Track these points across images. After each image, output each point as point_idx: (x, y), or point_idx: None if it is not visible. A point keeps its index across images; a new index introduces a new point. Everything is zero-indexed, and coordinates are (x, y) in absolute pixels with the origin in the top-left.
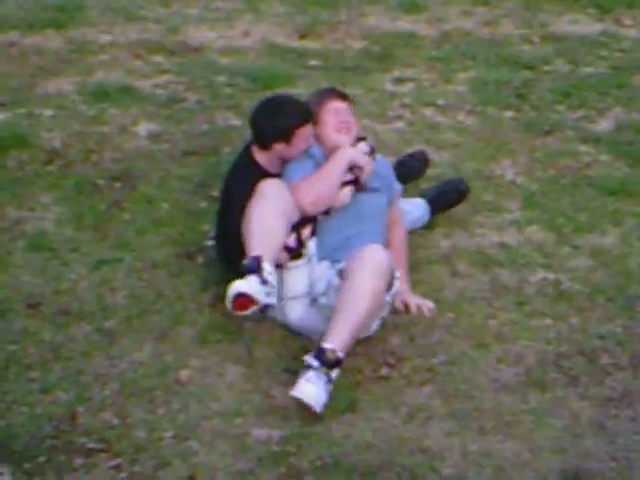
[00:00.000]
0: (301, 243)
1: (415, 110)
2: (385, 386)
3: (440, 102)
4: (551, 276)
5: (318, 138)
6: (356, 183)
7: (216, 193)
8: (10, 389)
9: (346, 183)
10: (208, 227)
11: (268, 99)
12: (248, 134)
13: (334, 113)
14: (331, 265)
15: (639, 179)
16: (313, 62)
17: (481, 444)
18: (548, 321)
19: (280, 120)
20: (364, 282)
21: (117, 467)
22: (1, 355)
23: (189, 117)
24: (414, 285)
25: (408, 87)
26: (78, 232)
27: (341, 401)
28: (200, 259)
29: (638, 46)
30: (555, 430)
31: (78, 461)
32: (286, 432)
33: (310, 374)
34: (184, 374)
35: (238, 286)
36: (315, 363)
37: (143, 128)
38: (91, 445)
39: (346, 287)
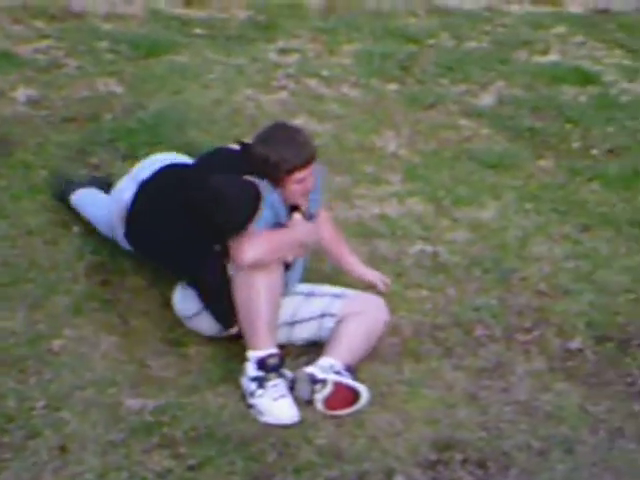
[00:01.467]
0: None
1: (299, 81)
2: None
3: (325, 73)
4: (429, 248)
5: (281, 190)
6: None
7: (96, 160)
8: None
9: None
10: None
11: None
12: (129, 101)
13: (299, 181)
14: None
15: (518, 153)
16: (198, 30)
17: (355, 415)
18: (425, 292)
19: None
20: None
21: None
22: None
23: (69, 83)
24: None
25: (293, 58)
26: None
27: (216, 372)
28: (76, 228)
29: (520, 22)
30: (429, 401)
31: None
32: (161, 402)
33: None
34: (57, 344)
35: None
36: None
37: (22, 94)
38: None
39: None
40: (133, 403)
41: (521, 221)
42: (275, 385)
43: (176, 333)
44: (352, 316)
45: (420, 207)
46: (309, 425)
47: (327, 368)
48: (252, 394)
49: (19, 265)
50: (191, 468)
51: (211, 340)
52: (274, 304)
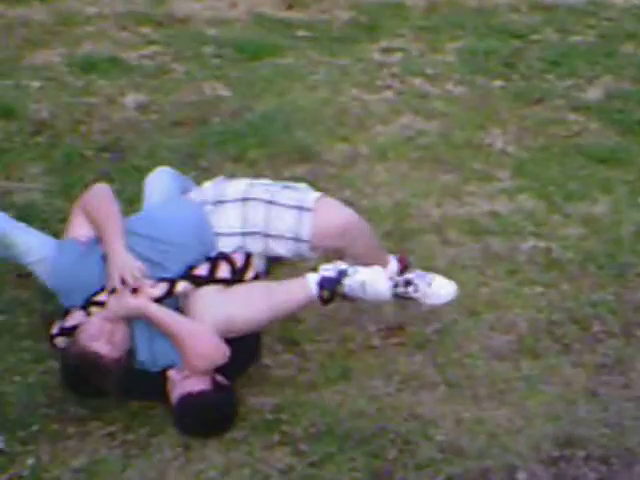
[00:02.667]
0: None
1: (404, 80)
2: (377, 354)
3: (429, 72)
4: (542, 244)
5: None
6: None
7: (205, 163)
8: (3, 358)
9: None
10: None
11: None
12: (236, 104)
13: None
14: None
15: (629, 147)
16: (300, 33)
17: (474, 411)
18: (539, 289)
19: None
20: None
21: (110, 435)
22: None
23: (177, 88)
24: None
25: (396, 57)
26: (68, 203)
27: (334, 370)
28: None
29: (626, 15)
30: (548, 397)
31: (71, 429)
32: (279, 400)
33: None
34: None
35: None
36: None
37: (131, 99)
38: (84, 413)
39: None
40: (253, 401)
41: (635, 215)
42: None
43: (292, 332)
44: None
45: (531, 203)
46: (428, 422)
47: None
48: (408, 293)
49: None
50: (312, 465)
51: (328, 338)
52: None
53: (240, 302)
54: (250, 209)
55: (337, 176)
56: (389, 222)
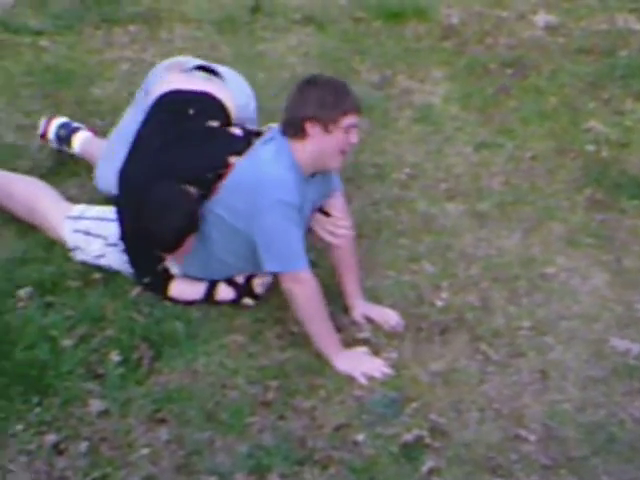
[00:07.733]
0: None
1: None
2: None
3: None
4: None
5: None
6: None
7: (606, 95)
8: (380, 252)
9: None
10: (590, 126)
11: None
12: None
13: (348, 129)
14: None
15: None
16: None
17: None
18: None
19: None
20: None
21: (474, 347)
22: (376, 217)
23: (589, 14)
24: None
25: None
26: (463, 111)
27: None
28: (578, 159)
29: None
30: None
31: (436, 336)
32: None
33: None
34: (549, 270)
35: None
36: None
37: (541, 18)
38: (448, 321)
39: None
40: (618, 343)
41: None
42: None
43: None
44: None
45: None
46: None
47: None
48: None
49: (520, 187)
50: None
51: None
52: None
53: None
54: None
55: None
56: None
